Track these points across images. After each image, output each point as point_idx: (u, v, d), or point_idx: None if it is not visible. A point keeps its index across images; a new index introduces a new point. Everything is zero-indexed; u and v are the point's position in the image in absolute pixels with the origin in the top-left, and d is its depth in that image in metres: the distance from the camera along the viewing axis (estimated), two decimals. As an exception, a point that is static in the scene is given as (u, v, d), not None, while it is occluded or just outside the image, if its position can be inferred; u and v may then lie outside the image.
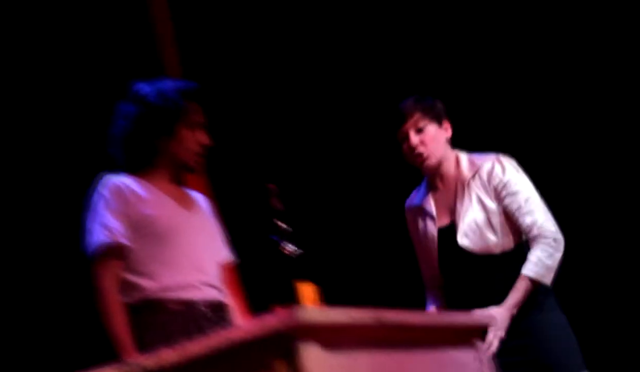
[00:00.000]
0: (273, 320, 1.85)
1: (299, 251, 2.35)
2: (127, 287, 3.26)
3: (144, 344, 3.14)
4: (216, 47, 5.20)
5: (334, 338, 1.97)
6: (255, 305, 3.88)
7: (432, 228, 3.59)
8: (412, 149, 3.54)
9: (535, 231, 3.47)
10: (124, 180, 3.36)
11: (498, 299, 3.36)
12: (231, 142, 4.69)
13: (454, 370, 2.41)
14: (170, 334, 3.13)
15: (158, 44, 4.85)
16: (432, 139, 3.55)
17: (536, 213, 3.49)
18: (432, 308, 3.65)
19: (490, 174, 3.55)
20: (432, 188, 3.64)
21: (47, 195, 4.80)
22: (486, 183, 3.56)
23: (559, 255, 3.42)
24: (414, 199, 3.70)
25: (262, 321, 1.87)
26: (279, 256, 2.32)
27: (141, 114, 3.39)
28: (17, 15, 4.83)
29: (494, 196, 3.54)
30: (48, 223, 4.76)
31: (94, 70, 3.43)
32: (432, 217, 3.60)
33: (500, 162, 3.57)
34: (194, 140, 3.40)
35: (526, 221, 3.48)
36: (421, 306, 3.63)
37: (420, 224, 3.64)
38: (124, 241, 3.25)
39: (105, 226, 3.26)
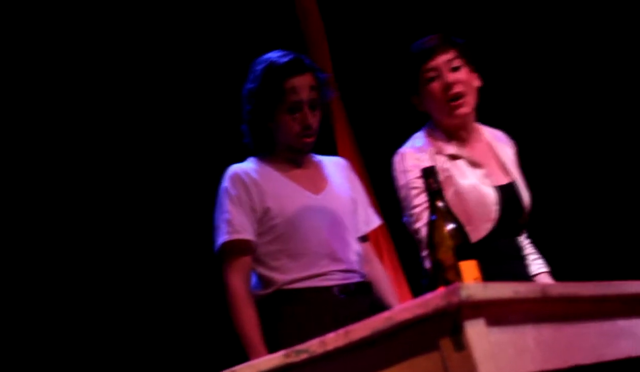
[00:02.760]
0: (437, 298, 1.83)
1: (458, 229, 2.31)
2: (260, 280, 3.23)
3: (278, 334, 3.14)
4: (367, 41, 5.16)
5: (499, 314, 1.94)
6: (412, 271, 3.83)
7: (484, 181, 3.11)
8: (449, 87, 3.05)
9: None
10: (246, 169, 3.29)
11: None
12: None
13: (626, 342, 2.34)
14: (303, 323, 3.11)
15: (307, 38, 4.84)
16: (468, 83, 3.10)
17: None
18: None
19: (511, 142, 3.31)
20: (457, 140, 3.16)
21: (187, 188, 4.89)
22: (513, 151, 3.29)
23: None
24: (437, 146, 3.15)
25: (425, 300, 1.85)
26: (437, 233, 2.29)
27: (246, 100, 3.33)
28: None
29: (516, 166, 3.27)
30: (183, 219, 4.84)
31: (244, 65, 3.46)
32: (478, 168, 3.12)
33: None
34: (293, 123, 3.25)
35: None
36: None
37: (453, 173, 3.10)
38: (249, 236, 3.20)
39: (230, 222, 3.20)
